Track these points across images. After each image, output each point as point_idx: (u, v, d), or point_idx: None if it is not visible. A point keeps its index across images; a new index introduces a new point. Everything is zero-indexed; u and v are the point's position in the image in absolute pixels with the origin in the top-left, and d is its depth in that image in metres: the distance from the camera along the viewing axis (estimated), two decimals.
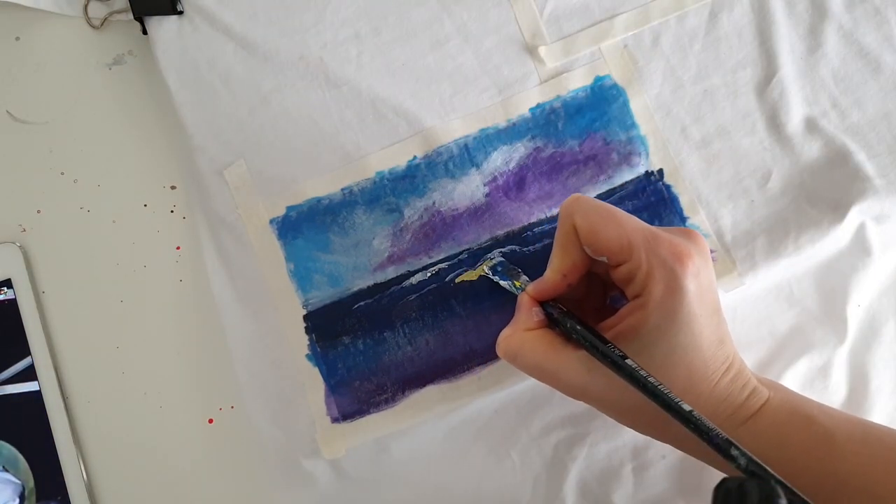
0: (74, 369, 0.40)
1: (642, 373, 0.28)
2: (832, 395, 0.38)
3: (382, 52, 0.40)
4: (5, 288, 0.40)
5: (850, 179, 0.38)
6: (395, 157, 0.39)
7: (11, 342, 0.39)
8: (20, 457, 0.39)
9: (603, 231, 0.31)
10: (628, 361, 0.29)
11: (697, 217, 0.39)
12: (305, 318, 0.38)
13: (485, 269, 0.37)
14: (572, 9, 0.40)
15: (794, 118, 0.39)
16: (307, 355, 0.38)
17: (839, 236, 0.38)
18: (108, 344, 0.40)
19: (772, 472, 0.25)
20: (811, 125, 0.39)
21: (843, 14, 0.40)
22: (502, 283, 0.36)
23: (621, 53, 0.40)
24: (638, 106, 0.39)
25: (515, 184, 0.39)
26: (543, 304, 0.34)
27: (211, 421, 0.40)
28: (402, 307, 0.38)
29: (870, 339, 0.39)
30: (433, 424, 0.38)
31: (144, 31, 0.40)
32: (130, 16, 0.40)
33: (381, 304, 0.38)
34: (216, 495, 0.40)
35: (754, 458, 0.26)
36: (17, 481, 0.39)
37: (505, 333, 0.34)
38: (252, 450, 0.39)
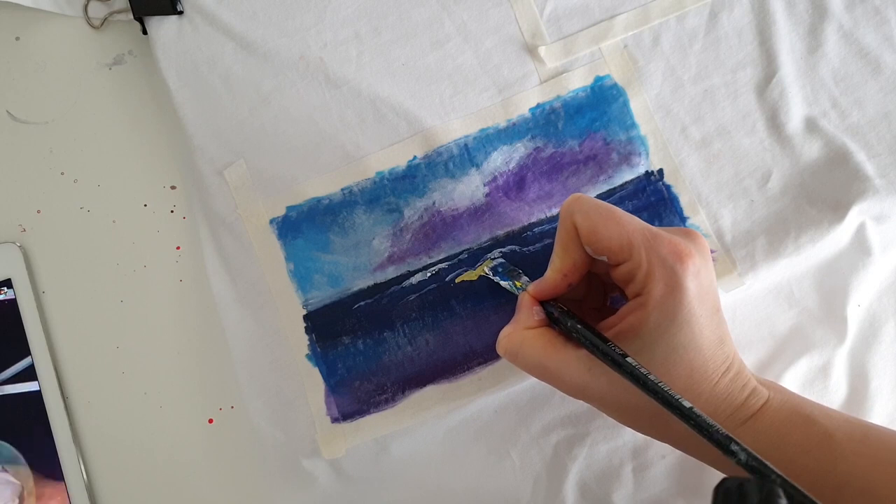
0: (74, 369, 0.40)
1: (642, 370, 0.28)
2: (832, 395, 0.38)
3: (382, 52, 0.40)
4: (5, 288, 0.40)
5: (850, 179, 0.38)
6: (395, 157, 0.39)
7: (11, 342, 0.39)
8: (20, 457, 0.39)
9: (603, 230, 0.31)
10: (628, 359, 0.29)
11: (697, 217, 0.39)
12: (305, 318, 0.38)
13: (485, 269, 0.37)
14: (572, 9, 0.40)
15: (794, 118, 0.39)
16: (307, 355, 0.38)
17: (839, 236, 0.38)
18: (108, 344, 0.40)
19: (772, 467, 0.25)
20: (811, 125, 0.39)
21: (843, 14, 0.40)
22: (503, 283, 0.36)
23: (621, 53, 0.40)
24: (638, 106, 0.39)
25: (515, 184, 0.39)
26: (544, 303, 0.34)
27: (211, 421, 0.40)
28: (402, 307, 0.38)
29: (870, 339, 0.39)
30: (433, 424, 0.38)
31: (144, 31, 0.40)
32: (130, 16, 0.40)
33: (381, 304, 0.38)
34: (216, 495, 0.40)
35: (754, 453, 0.26)
36: (16, 482, 0.39)
37: (505, 331, 0.34)
38: (252, 450, 0.39)
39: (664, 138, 0.39)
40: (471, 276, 0.38)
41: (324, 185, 0.39)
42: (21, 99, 0.42)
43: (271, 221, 0.39)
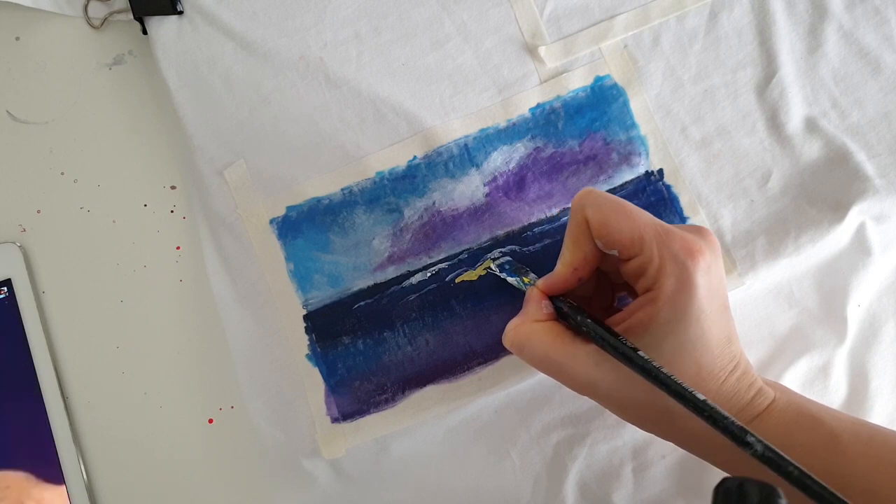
0: (74, 369, 0.40)
1: (654, 364, 0.28)
2: (832, 395, 0.38)
3: (382, 52, 0.40)
4: (5, 288, 0.40)
5: (850, 179, 0.38)
6: (395, 157, 0.39)
7: (11, 342, 0.39)
8: (20, 458, 0.39)
9: (615, 224, 0.31)
10: (640, 353, 0.29)
11: (697, 217, 0.39)
12: (305, 318, 0.38)
13: (492, 266, 0.37)
14: (572, 9, 0.40)
15: (794, 118, 0.39)
16: (307, 355, 0.38)
17: (839, 236, 0.38)
18: (108, 344, 0.40)
19: (788, 458, 0.25)
20: (811, 125, 0.39)
21: (843, 14, 0.40)
22: (510, 279, 0.36)
23: (621, 53, 0.40)
24: (638, 106, 0.39)
25: (515, 184, 0.39)
26: (552, 298, 0.33)
27: (211, 421, 0.40)
28: (402, 307, 0.38)
29: (870, 339, 0.39)
30: (433, 424, 0.38)
31: (144, 31, 0.40)
32: (130, 16, 0.40)
33: (381, 304, 0.38)
34: (216, 495, 0.40)
35: (770, 445, 0.25)
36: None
37: (513, 323, 0.33)
38: (252, 450, 0.39)
39: (664, 138, 0.39)
40: (471, 276, 0.38)
41: (324, 185, 0.39)
42: (21, 99, 0.42)
43: (271, 221, 0.39)
